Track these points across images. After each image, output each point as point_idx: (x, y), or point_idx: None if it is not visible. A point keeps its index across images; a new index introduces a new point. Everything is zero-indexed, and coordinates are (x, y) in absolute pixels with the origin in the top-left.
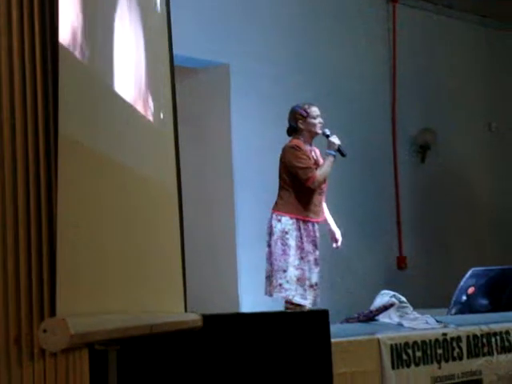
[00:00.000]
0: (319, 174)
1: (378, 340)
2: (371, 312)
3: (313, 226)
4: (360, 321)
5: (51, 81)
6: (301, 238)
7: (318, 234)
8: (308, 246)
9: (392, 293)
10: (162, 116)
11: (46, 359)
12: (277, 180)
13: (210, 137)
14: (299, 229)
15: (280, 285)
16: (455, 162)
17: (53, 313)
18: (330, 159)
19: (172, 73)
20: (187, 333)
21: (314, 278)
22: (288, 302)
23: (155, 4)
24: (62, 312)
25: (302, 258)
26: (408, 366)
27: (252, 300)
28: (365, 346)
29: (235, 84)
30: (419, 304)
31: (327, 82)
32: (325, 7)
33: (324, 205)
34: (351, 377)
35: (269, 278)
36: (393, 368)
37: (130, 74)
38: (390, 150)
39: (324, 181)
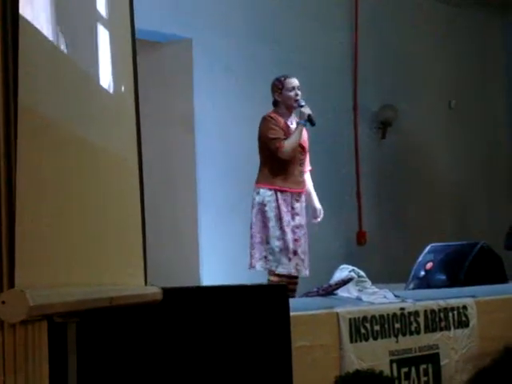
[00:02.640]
0: (287, 143)
1: (337, 314)
2: (330, 286)
3: (292, 196)
4: (319, 295)
5: (11, 53)
6: (279, 208)
7: (299, 204)
8: (287, 216)
9: (351, 267)
10: (122, 89)
11: (4, 331)
12: (240, 156)
13: (172, 112)
14: (277, 199)
15: (265, 257)
16: (415, 139)
17: (12, 285)
18: (299, 129)
19: (134, 46)
20: (147, 306)
21: (298, 247)
22: (272, 274)
23: None
24: (21, 284)
25: (281, 229)
26: (366, 339)
27: (213, 274)
28: (323, 320)
29: (198, 59)
30: (378, 279)
31: (290, 57)
32: None
33: (308, 178)
34: (310, 350)
35: (252, 251)
36: (351, 341)
37: (91, 46)
38: (351, 125)
39: (293, 150)
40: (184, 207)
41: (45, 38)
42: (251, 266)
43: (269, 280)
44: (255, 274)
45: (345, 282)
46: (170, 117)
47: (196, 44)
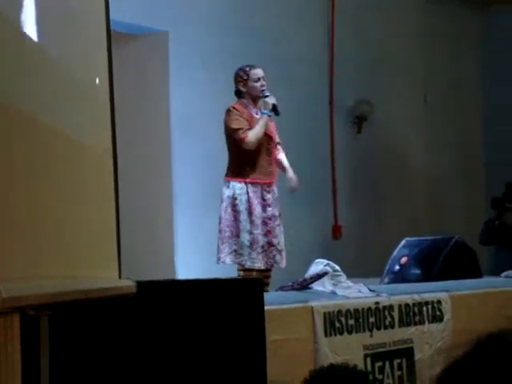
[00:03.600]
0: (251, 134)
1: (312, 308)
2: (305, 280)
3: (262, 187)
4: (294, 289)
5: None
6: (250, 201)
7: (270, 195)
8: (258, 208)
9: (326, 261)
10: (97, 81)
11: None
12: (216, 149)
13: (148, 104)
14: (248, 192)
15: (235, 251)
16: (391, 133)
17: None
18: (263, 119)
19: (108, 38)
20: (121, 299)
21: (272, 238)
22: (241, 269)
23: None
24: None
25: (252, 222)
26: (341, 333)
27: (188, 269)
28: (298, 314)
29: (174, 51)
30: (353, 273)
31: (266, 50)
32: None
33: (282, 156)
34: (284, 344)
35: (221, 245)
36: (326, 335)
37: (63, 35)
38: (327, 119)
39: (258, 140)
40: (159, 202)
41: (11, 25)
42: (220, 261)
43: (238, 275)
44: (228, 269)
45: (320, 276)
46: (146, 110)
47: (172, 37)
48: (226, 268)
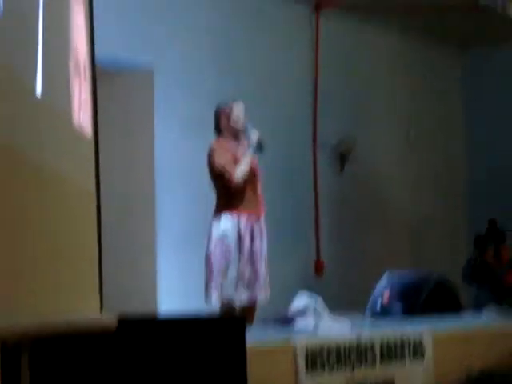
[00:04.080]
0: (238, 171)
1: (294, 345)
2: (287, 316)
3: (250, 219)
4: (277, 324)
5: None
6: (240, 234)
7: (258, 229)
8: (247, 242)
9: (309, 293)
10: (81, 116)
11: None
12: (201, 185)
13: (132, 139)
14: (238, 225)
15: (222, 286)
16: (373, 171)
17: None
18: (248, 155)
19: (93, 73)
20: (101, 334)
21: (257, 269)
22: (226, 303)
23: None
24: None
25: (242, 255)
26: (322, 370)
27: (171, 303)
28: (281, 351)
29: (159, 87)
30: (336, 309)
31: (250, 86)
32: (248, 11)
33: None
34: (266, 381)
35: (209, 283)
36: (307, 372)
37: (50, 71)
38: (310, 157)
39: (246, 176)
40: (142, 236)
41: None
42: (207, 297)
43: (223, 309)
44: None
45: (302, 312)
46: (130, 147)
47: (157, 72)
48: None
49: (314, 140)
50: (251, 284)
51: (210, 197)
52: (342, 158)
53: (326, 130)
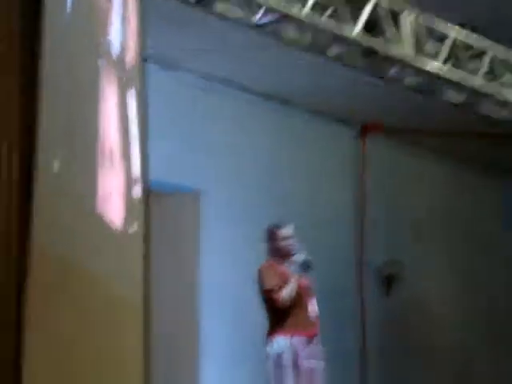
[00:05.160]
0: (284, 293)
1: None
2: None
3: (306, 339)
4: None
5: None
6: (296, 356)
7: (314, 347)
8: (305, 363)
9: None
10: (133, 229)
11: None
12: (246, 306)
13: (178, 261)
14: (293, 346)
15: None
16: (421, 296)
17: None
18: (294, 277)
19: (146, 194)
20: None
21: None
22: None
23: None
24: None
25: (297, 375)
26: None
27: None
28: None
29: (205, 210)
30: None
31: (296, 210)
32: (297, 137)
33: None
34: None
35: None
36: None
37: (106, 189)
38: (357, 280)
39: (292, 297)
40: (185, 359)
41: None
42: None
43: None
44: None
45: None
46: (175, 269)
47: (204, 196)
48: None
49: (361, 263)
50: None
51: (257, 316)
52: (389, 282)
53: (371, 252)
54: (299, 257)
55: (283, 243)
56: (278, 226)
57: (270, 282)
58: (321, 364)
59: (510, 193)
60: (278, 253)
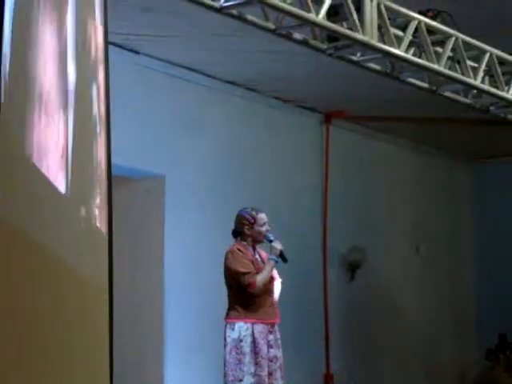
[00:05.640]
0: (259, 279)
1: None
2: None
3: (267, 327)
4: None
5: None
6: (255, 342)
7: (272, 336)
8: (264, 349)
9: None
10: (96, 212)
11: None
12: (211, 291)
13: (142, 248)
14: (253, 333)
15: None
16: (383, 282)
17: None
18: (271, 264)
19: (109, 179)
20: None
21: (273, 380)
22: None
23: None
24: None
25: (257, 364)
26: None
27: None
28: None
29: (170, 195)
30: None
31: (260, 195)
32: (261, 123)
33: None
34: None
35: None
36: None
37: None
38: (320, 266)
39: (264, 285)
40: (150, 342)
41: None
42: None
43: None
44: None
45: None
46: (141, 252)
47: (169, 181)
48: None
49: (324, 249)
50: None
51: (222, 301)
52: (352, 268)
53: (336, 239)
54: (278, 244)
55: (262, 229)
56: (256, 211)
57: (246, 266)
58: (280, 353)
59: (479, 178)
60: (252, 237)
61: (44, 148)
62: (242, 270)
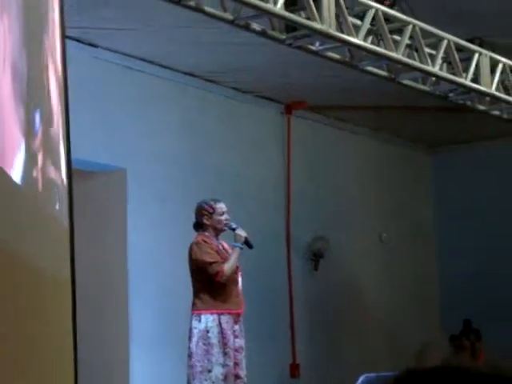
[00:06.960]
0: (227, 267)
1: None
2: None
3: (233, 317)
4: None
5: None
6: (223, 332)
7: (238, 326)
8: (231, 339)
9: None
10: (57, 207)
11: None
12: (173, 280)
13: (106, 239)
14: (220, 324)
15: None
16: (347, 271)
17: None
18: (237, 251)
19: (69, 174)
20: None
21: (239, 370)
22: None
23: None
24: None
25: (226, 354)
26: None
27: None
28: None
29: (132, 188)
30: None
31: (222, 187)
32: (221, 113)
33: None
34: None
35: (192, 381)
36: None
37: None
38: (284, 256)
39: (232, 273)
40: (114, 337)
41: None
42: None
43: None
44: None
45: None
46: (103, 246)
47: (130, 174)
48: None
49: (288, 239)
50: (237, 382)
51: (184, 292)
52: (316, 258)
53: (299, 229)
54: (241, 231)
55: (221, 218)
56: (215, 201)
57: (211, 256)
58: (243, 344)
59: (439, 166)
60: (212, 227)
61: (1, 142)
62: (208, 259)
